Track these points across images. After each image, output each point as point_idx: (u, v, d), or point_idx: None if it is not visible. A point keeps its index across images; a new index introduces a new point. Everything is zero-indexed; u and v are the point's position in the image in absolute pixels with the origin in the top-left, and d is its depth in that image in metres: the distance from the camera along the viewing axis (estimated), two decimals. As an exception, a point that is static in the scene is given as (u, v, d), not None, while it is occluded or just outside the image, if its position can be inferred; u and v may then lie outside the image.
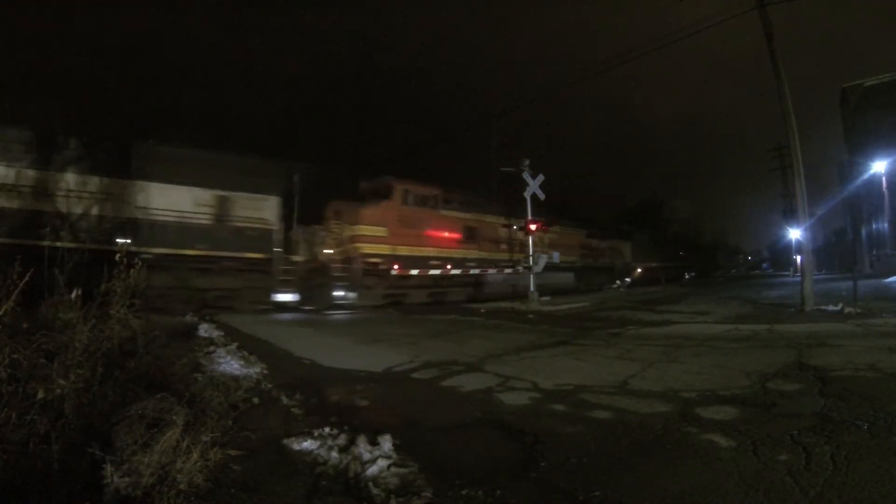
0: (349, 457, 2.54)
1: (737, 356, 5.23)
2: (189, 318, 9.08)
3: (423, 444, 2.87)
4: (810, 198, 11.50)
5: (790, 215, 29.43)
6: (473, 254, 17.24)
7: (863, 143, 26.71)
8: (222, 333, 7.13)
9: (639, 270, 29.08)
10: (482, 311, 12.53)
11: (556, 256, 16.62)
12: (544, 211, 19.72)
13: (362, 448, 2.59)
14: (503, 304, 14.33)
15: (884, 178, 22.97)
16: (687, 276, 38.79)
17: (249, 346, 6.17)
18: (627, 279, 26.40)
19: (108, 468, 1.98)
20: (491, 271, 18.02)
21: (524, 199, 14.94)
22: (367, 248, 13.63)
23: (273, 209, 12.79)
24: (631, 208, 53.60)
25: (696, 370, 4.60)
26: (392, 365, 5.34)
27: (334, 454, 2.60)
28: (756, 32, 10.54)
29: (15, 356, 2.26)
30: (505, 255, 18.87)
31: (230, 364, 4.84)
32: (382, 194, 14.45)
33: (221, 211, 11.95)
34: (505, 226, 18.61)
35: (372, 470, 2.38)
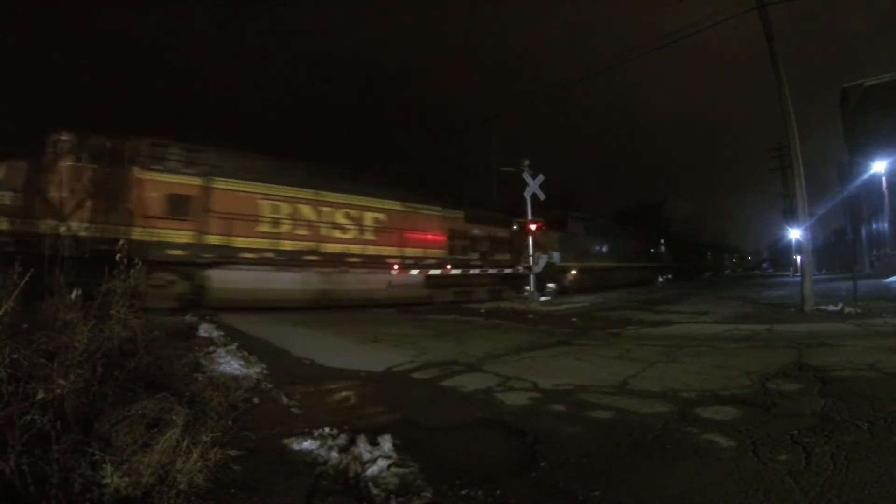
0: (349, 457, 2.54)
1: (737, 356, 5.23)
2: (189, 317, 9.08)
3: (424, 443, 2.87)
4: (810, 198, 11.53)
5: (790, 215, 29.48)
6: (184, 237, 10.75)
7: (863, 143, 26.76)
8: (222, 333, 7.13)
9: (573, 272, 21.61)
10: (482, 311, 12.67)
11: (548, 258, 14.94)
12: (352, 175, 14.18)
13: (362, 448, 2.59)
14: (503, 304, 14.37)
15: (884, 178, 23.05)
16: (661, 280, 32.60)
17: (249, 345, 6.16)
18: (551, 284, 18.45)
19: (108, 468, 1.98)
20: (244, 267, 11.50)
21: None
22: None
23: None
24: (631, 208, 53.65)
25: (696, 370, 4.60)
26: (392, 365, 5.35)
27: (334, 454, 2.60)
28: (756, 32, 10.57)
29: (15, 356, 2.25)
30: (295, 245, 12.35)
31: (230, 364, 4.84)
32: (43, 151, 9.78)
33: None
34: (306, 200, 12.68)
35: (372, 470, 2.38)
